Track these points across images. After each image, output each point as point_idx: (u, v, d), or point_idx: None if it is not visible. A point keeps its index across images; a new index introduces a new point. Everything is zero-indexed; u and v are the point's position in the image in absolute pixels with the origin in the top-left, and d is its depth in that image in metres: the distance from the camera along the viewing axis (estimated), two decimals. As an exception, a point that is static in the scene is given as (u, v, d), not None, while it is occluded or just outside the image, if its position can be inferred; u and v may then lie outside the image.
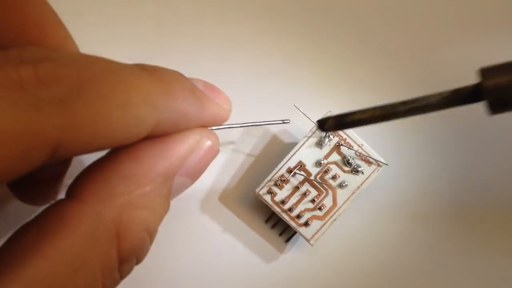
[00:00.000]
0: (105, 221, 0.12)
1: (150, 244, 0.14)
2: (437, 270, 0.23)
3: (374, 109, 0.16)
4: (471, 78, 0.15)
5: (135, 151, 0.13)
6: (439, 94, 0.15)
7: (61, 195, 0.14)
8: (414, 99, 0.16)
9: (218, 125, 0.15)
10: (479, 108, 0.15)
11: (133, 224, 0.12)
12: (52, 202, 0.13)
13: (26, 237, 0.11)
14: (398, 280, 0.23)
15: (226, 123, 0.16)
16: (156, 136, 0.13)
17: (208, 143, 0.14)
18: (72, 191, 0.13)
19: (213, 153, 0.14)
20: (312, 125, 0.21)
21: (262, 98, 0.24)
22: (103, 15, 0.24)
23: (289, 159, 0.21)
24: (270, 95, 0.24)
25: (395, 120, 0.16)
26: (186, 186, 0.14)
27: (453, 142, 0.24)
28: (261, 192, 0.21)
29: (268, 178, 0.21)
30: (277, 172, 0.21)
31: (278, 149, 0.23)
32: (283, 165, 0.21)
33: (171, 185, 0.13)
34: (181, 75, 0.13)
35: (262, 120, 0.19)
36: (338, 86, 0.24)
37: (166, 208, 0.14)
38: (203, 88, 0.14)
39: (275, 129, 0.23)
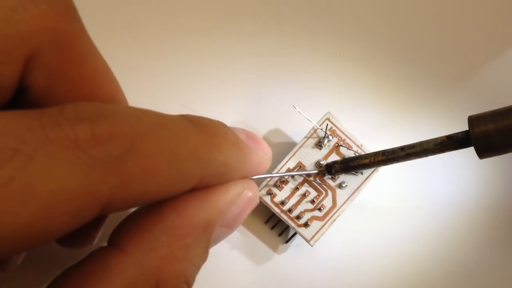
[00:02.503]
0: (146, 271, 0.12)
1: None
2: (437, 270, 0.23)
3: (376, 154, 0.19)
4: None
5: (177, 202, 0.13)
6: (434, 140, 0.17)
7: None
8: (412, 145, 0.17)
9: (258, 174, 0.15)
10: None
11: (173, 276, 0.13)
12: (90, 247, 0.13)
13: (70, 284, 0.12)
14: (397, 281, 0.23)
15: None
16: (199, 187, 0.13)
17: (249, 194, 0.14)
18: (115, 239, 0.13)
19: (253, 204, 0.15)
20: (311, 126, 0.21)
21: (261, 99, 0.24)
22: (103, 15, 0.24)
23: (289, 160, 0.21)
24: (269, 96, 0.24)
25: (395, 163, 0.18)
26: (225, 236, 0.15)
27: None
28: (260, 193, 0.21)
29: (268, 179, 0.21)
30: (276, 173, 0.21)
31: (276, 150, 0.23)
32: (283, 166, 0.21)
33: (211, 236, 0.14)
34: (225, 126, 0.14)
35: (298, 171, 0.21)
36: (336, 87, 0.24)
37: (205, 258, 0.14)
38: (245, 138, 0.15)
39: (269, 129, 0.23)
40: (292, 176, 0.21)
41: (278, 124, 0.23)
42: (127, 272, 0.12)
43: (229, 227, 0.15)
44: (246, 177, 0.15)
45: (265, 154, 0.15)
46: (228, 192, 0.14)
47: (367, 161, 0.19)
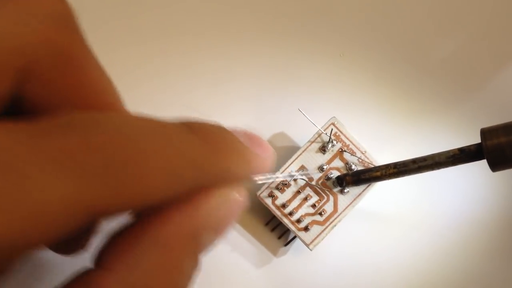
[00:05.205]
0: None
1: None
2: (437, 277, 0.23)
3: (387, 167, 0.19)
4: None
5: (161, 212, 0.13)
6: (446, 153, 0.17)
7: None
8: (424, 158, 0.17)
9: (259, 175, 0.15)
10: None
11: None
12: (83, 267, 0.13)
13: None
14: (396, 287, 0.23)
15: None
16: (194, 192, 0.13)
17: (237, 197, 0.14)
18: (99, 259, 0.12)
19: (240, 205, 0.14)
20: (316, 130, 0.21)
21: (266, 102, 0.24)
22: (103, 15, 0.24)
23: (292, 163, 0.21)
24: (274, 99, 0.24)
25: (407, 176, 0.18)
26: (214, 241, 0.14)
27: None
28: (262, 195, 0.21)
29: (270, 181, 0.21)
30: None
31: (280, 153, 0.23)
32: (285, 169, 0.21)
33: (200, 244, 0.13)
34: (226, 131, 0.13)
35: (295, 173, 0.21)
36: (341, 91, 0.24)
37: (197, 267, 0.13)
38: (247, 142, 0.14)
39: (273, 133, 0.23)
40: (295, 180, 0.21)
41: (282, 128, 0.23)
42: None
43: (218, 232, 0.14)
44: (246, 179, 0.14)
45: (267, 156, 0.15)
46: (214, 197, 0.13)
47: (378, 173, 0.19)
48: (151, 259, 0.12)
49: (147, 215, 0.13)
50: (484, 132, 0.16)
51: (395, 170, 0.18)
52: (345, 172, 0.21)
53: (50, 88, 0.13)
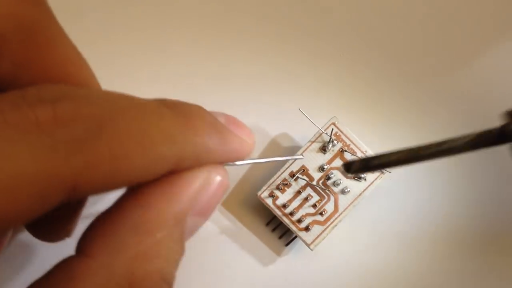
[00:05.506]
0: (116, 275, 0.11)
1: None
2: (438, 277, 0.23)
3: (400, 152, 0.17)
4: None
5: (142, 196, 0.12)
6: (464, 137, 0.15)
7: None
8: (439, 143, 0.15)
9: (241, 159, 0.15)
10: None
11: (147, 276, 0.12)
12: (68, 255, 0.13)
13: None
14: (397, 287, 0.23)
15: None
16: (176, 173, 0.13)
17: (218, 178, 0.13)
18: (81, 246, 0.12)
19: (223, 188, 0.14)
20: (316, 130, 0.21)
21: (266, 102, 0.24)
22: (102, 15, 0.24)
23: (292, 163, 0.21)
24: (274, 99, 0.24)
25: (421, 163, 0.16)
26: (200, 225, 0.14)
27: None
28: (262, 195, 0.21)
29: (270, 181, 0.21)
30: (279, 176, 0.21)
31: (278, 153, 0.23)
32: (286, 169, 0.21)
33: (183, 228, 0.13)
34: (202, 109, 0.13)
35: (280, 156, 0.20)
36: (341, 91, 0.24)
37: (181, 252, 0.13)
38: (225, 122, 0.14)
39: (274, 133, 0.23)
40: (296, 180, 0.21)
41: (282, 128, 0.23)
42: (95, 279, 0.11)
43: (202, 215, 0.14)
44: (227, 161, 0.14)
45: (246, 137, 0.14)
46: (195, 179, 0.13)
47: (389, 159, 0.17)
48: (133, 245, 0.12)
49: (128, 200, 0.12)
50: (510, 113, 0.14)
51: (407, 156, 0.16)
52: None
53: (21, 64, 0.12)
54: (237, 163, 0.15)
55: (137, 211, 0.12)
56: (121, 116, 0.11)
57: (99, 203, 0.20)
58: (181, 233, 0.13)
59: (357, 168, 0.18)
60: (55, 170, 0.09)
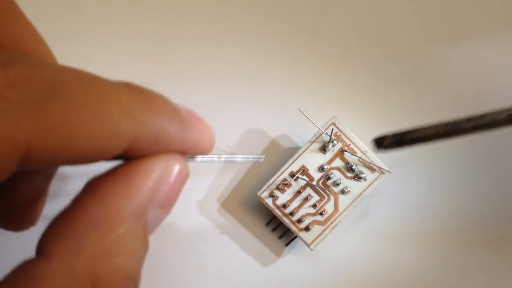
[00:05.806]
0: (78, 275, 0.11)
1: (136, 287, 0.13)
2: (439, 277, 0.23)
3: (437, 126, 0.16)
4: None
5: (100, 192, 0.12)
6: (508, 110, 0.14)
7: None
8: (480, 116, 0.15)
9: (200, 154, 0.14)
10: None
11: (110, 273, 0.11)
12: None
13: None
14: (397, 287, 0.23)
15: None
16: (132, 157, 0.12)
17: (177, 167, 0.13)
18: (41, 247, 0.12)
19: (183, 177, 0.13)
20: (316, 130, 0.21)
21: (266, 102, 0.24)
22: (102, 15, 0.24)
23: (292, 163, 0.21)
24: (274, 99, 0.24)
25: (459, 137, 0.16)
26: (163, 218, 0.13)
27: (458, 150, 0.24)
28: (262, 195, 0.21)
29: (270, 181, 0.21)
30: (279, 176, 0.21)
31: (277, 153, 0.23)
32: (286, 169, 0.21)
33: (145, 221, 0.12)
34: (164, 96, 0.13)
35: (240, 155, 0.18)
36: (341, 91, 0.24)
37: (145, 247, 0.13)
38: (186, 114, 0.14)
39: (274, 133, 0.23)
40: (296, 180, 0.21)
41: (282, 128, 0.23)
42: (56, 280, 0.11)
43: (164, 208, 0.13)
44: (185, 151, 0.13)
45: (207, 132, 0.14)
46: (154, 169, 0.12)
47: (425, 133, 0.16)
48: (93, 243, 0.11)
49: (86, 196, 0.12)
50: None
51: (446, 129, 0.16)
52: (345, 172, 0.21)
53: None
54: (197, 159, 0.14)
55: (96, 208, 0.12)
56: (77, 83, 0.10)
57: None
58: (143, 228, 0.12)
59: (389, 143, 0.17)
60: (6, 133, 0.09)
